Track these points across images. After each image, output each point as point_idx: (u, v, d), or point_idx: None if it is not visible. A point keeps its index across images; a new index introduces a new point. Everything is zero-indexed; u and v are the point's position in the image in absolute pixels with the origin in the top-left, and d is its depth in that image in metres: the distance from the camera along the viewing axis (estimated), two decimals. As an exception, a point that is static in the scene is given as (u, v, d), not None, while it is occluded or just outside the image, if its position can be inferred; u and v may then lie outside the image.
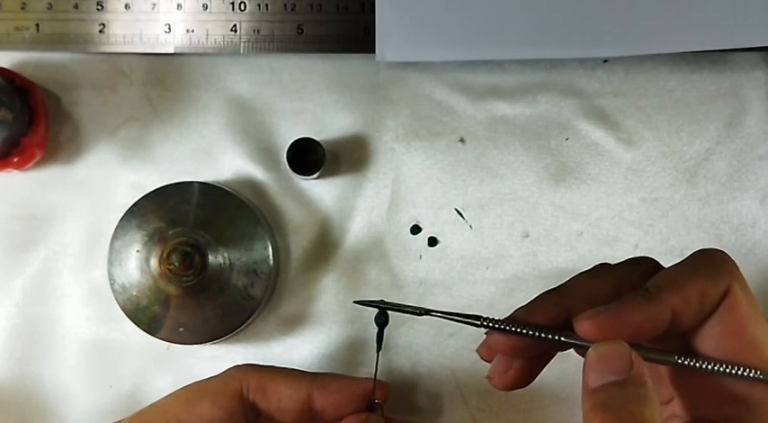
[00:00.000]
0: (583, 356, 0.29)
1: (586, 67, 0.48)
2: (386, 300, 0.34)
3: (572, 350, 0.31)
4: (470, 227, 0.47)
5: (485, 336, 0.32)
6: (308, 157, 0.45)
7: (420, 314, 0.32)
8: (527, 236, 0.47)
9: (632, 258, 0.32)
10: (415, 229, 0.47)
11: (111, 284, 0.45)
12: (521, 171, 0.47)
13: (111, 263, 0.45)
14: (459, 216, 0.47)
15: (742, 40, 0.44)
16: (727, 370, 0.29)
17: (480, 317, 0.31)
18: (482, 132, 0.47)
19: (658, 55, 0.46)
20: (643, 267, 0.32)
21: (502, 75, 0.48)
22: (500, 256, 0.47)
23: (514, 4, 0.45)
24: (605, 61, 0.48)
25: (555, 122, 0.47)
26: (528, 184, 0.47)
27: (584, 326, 0.29)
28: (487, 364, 0.33)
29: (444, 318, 0.32)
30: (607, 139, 0.47)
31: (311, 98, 0.48)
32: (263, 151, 0.47)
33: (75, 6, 0.46)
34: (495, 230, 0.47)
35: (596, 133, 0.47)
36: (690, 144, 0.47)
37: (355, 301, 0.35)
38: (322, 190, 0.47)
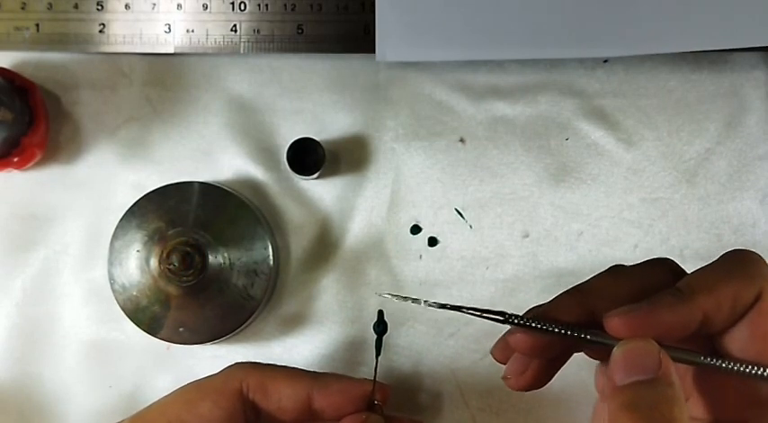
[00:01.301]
0: (597, 358, 0.29)
1: (586, 67, 0.48)
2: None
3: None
4: (470, 227, 0.47)
5: (494, 339, 0.32)
6: (308, 157, 0.45)
7: (447, 309, 0.32)
8: (527, 236, 0.47)
9: (651, 259, 0.32)
10: (415, 229, 0.47)
11: (111, 284, 0.45)
12: (521, 171, 0.47)
13: (111, 263, 0.45)
14: (459, 216, 0.47)
15: (742, 40, 0.44)
16: (755, 371, 0.28)
17: (505, 313, 0.30)
18: (482, 132, 0.47)
19: (658, 55, 0.46)
20: (662, 268, 0.31)
21: (502, 75, 0.48)
22: (500, 256, 0.47)
23: (514, 4, 0.45)
24: (605, 61, 0.48)
25: (555, 122, 0.47)
26: (528, 184, 0.47)
27: (614, 322, 0.28)
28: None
29: (470, 314, 0.31)
30: (607, 139, 0.47)
31: (311, 98, 0.48)
32: (263, 151, 0.47)
33: (75, 6, 0.46)
34: (495, 230, 0.47)
35: (596, 133, 0.47)
36: (690, 144, 0.47)
37: (379, 293, 0.35)
38: (322, 190, 0.47)
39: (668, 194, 0.47)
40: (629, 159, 0.47)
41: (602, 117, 0.47)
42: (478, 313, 0.31)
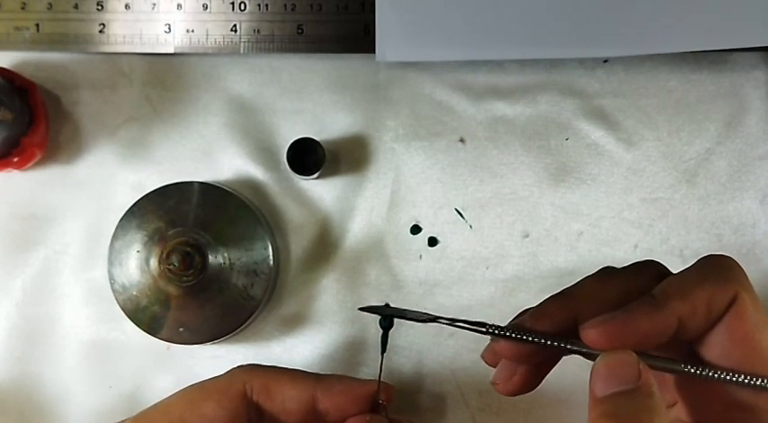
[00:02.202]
0: (590, 360, 0.29)
1: (586, 67, 0.48)
2: (390, 304, 0.34)
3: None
4: (470, 227, 0.47)
5: (489, 340, 0.32)
6: (307, 157, 0.45)
7: (426, 321, 0.32)
8: (527, 236, 0.47)
9: (638, 262, 0.32)
10: (415, 229, 0.47)
11: (111, 284, 0.45)
12: (521, 171, 0.47)
13: (111, 263, 0.45)
14: (459, 216, 0.47)
15: (742, 40, 0.44)
16: (734, 378, 0.29)
17: (486, 324, 0.30)
18: (482, 132, 0.47)
19: (658, 55, 0.46)
20: (649, 271, 0.31)
21: (502, 75, 0.48)
22: (500, 256, 0.47)
23: (514, 4, 0.45)
24: (605, 61, 0.48)
25: (555, 122, 0.47)
26: (528, 184, 0.47)
27: (590, 334, 0.29)
28: (489, 365, 0.33)
29: (450, 325, 0.31)
30: (607, 139, 0.47)
31: (311, 98, 0.48)
32: (263, 151, 0.47)
33: (75, 6, 0.46)
34: (495, 230, 0.47)
35: (596, 133, 0.47)
36: (690, 144, 0.47)
37: (360, 308, 0.35)
38: (322, 190, 0.47)
39: (668, 194, 0.47)
40: (629, 159, 0.47)
41: (602, 117, 0.47)
42: (459, 324, 0.31)
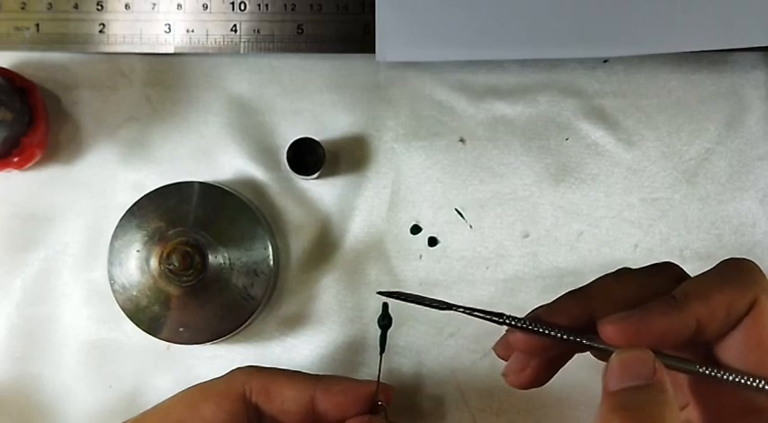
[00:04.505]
0: (601, 360, 0.29)
1: (586, 67, 0.48)
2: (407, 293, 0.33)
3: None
4: (470, 227, 0.47)
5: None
6: (308, 157, 0.45)
7: (443, 309, 0.32)
8: (527, 236, 0.47)
9: (656, 264, 0.32)
10: (415, 229, 0.47)
11: (111, 284, 0.45)
12: (521, 171, 0.47)
13: (111, 263, 0.45)
14: (459, 216, 0.47)
15: (742, 40, 0.44)
16: (749, 382, 0.28)
17: (503, 314, 0.30)
18: (482, 132, 0.47)
19: (658, 55, 0.46)
20: (667, 273, 0.31)
21: (502, 75, 0.48)
22: (500, 256, 0.47)
23: (514, 4, 0.45)
24: (605, 61, 0.48)
25: (555, 122, 0.47)
26: (528, 184, 0.47)
27: (608, 330, 0.29)
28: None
29: (467, 314, 0.31)
30: (607, 139, 0.47)
31: (311, 98, 0.48)
32: (263, 151, 0.47)
33: (75, 6, 0.46)
34: (495, 230, 0.47)
35: (596, 133, 0.47)
36: (690, 144, 0.47)
37: (378, 292, 0.34)
38: (322, 190, 0.47)
39: (668, 194, 0.47)
40: (629, 159, 0.47)
41: (602, 117, 0.47)
42: (476, 313, 0.31)
